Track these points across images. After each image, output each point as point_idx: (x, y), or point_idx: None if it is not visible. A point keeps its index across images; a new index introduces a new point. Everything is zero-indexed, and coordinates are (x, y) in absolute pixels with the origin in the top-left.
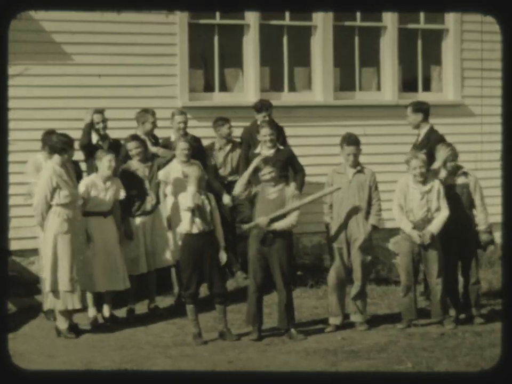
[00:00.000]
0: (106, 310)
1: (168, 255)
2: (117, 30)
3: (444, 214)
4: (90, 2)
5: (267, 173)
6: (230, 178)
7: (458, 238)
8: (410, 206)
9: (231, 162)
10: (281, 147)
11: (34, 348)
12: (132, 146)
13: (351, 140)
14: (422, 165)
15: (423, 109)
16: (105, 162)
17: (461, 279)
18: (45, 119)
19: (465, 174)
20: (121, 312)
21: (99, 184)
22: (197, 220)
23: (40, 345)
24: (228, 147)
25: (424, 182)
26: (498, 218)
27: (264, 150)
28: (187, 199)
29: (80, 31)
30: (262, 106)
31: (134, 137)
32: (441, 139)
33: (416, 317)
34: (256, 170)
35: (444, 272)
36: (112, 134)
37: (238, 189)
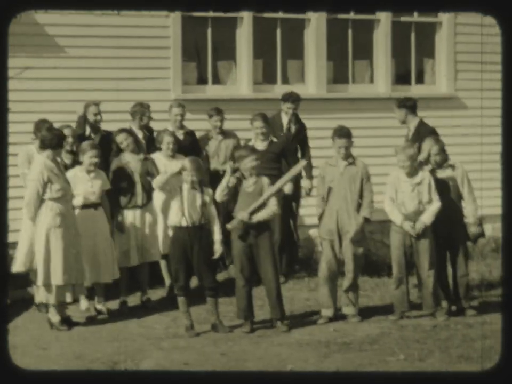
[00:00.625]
0: (98, 303)
1: (157, 249)
2: (110, 23)
3: (435, 205)
4: (90, 2)
5: (248, 161)
6: (222, 167)
7: (445, 231)
8: (401, 199)
9: (225, 152)
10: (275, 139)
11: (27, 340)
12: (121, 138)
13: (342, 133)
14: (406, 159)
15: (407, 105)
16: (86, 159)
17: (450, 271)
18: (40, 112)
19: (451, 166)
20: (114, 304)
21: (83, 176)
22: (186, 213)
23: (33, 337)
24: (220, 137)
25: (412, 175)
26: (488, 211)
27: (258, 142)
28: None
29: (75, 23)
30: (289, 97)
31: (122, 130)
32: (432, 132)
33: (408, 309)
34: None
35: (435, 264)
36: (106, 127)
37: (218, 197)
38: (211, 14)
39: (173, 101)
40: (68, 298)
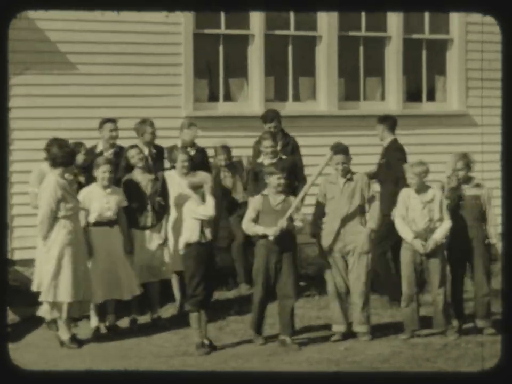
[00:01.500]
0: (109, 320)
1: (168, 267)
2: (121, 40)
3: (447, 224)
4: (90, 2)
5: (276, 179)
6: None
7: (466, 249)
8: (412, 216)
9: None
10: (284, 157)
11: (37, 357)
12: (132, 153)
13: (339, 149)
14: (413, 176)
15: (385, 121)
16: (99, 173)
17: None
18: (47, 129)
19: (478, 185)
20: (124, 322)
21: (99, 193)
22: (207, 229)
23: (43, 355)
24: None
25: (421, 191)
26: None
27: (267, 161)
28: (207, 208)
29: (83, 40)
30: (267, 116)
31: (134, 146)
32: (399, 148)
33: (418, 327)
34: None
35: (446, 282)
36: (118, 144)
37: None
38: (223, 31)
39: (184, 119)
40: (75, 314)
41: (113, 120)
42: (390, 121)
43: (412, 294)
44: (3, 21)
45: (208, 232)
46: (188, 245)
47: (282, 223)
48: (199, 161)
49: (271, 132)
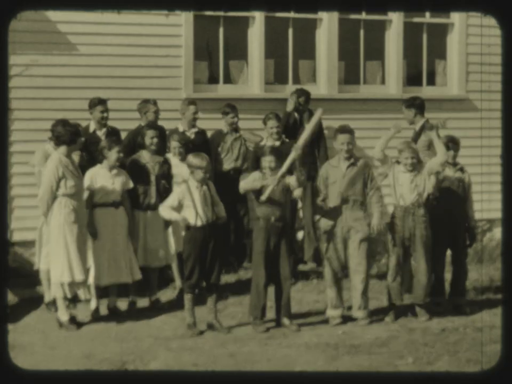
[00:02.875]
0: (111, 302)
1: (168, 252)
2: (122, 21)
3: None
4: (90, 2)
5: (267, 161)
6: (233, 165)
7: (450, 230)
8: (400, 192)
9: (238, 149)
10: (287, 140)
11: (36, 339)
12: (152, 134)
13: (344, 129)
14: (413, 156)
15: (416, 104)
16: (113, 153)
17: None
18: (48, 109)
19: (461, 169)
20: (123, 305)
21: (105, 174)
22: (201, 213)
23: (42, 336)
24: (235, 134)
25: (413, 171)
26: (498, 214)
27: (269, 142)
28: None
29: (83, 21)
30: (299, 94)
31: (152, 126)
32: None
33: (401, 301)
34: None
35: (430, 258)
36: (117, 125)
37: (242, 183)
38: (223, 13)
39: (184, 100)
40: (87, 295)
41: (103, 101)
42: (419, 103)
43: (399, 268)
44: (3, 21)
45: (206, 216)
46: (187, 228)
47: (274, 179)
48: (199, 143)
49: (275, 113)
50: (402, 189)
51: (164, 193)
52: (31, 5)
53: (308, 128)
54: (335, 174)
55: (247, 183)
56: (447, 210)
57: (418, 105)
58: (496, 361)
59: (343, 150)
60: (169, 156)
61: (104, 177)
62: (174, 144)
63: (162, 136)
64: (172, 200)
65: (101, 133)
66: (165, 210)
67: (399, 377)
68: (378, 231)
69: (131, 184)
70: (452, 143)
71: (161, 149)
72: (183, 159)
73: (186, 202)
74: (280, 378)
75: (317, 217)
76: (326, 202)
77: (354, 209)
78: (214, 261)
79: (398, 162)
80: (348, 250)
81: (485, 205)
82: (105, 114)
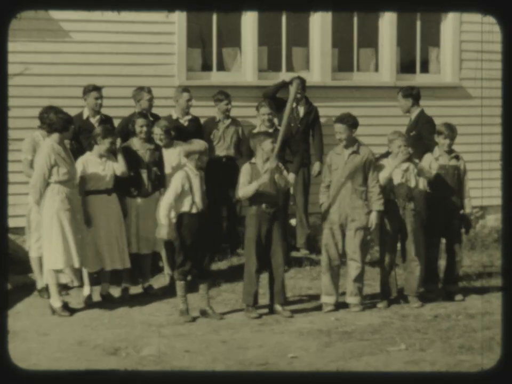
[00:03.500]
0: (104, 289)
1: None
2: (115, 8)
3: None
4: (90, 2)
5: (269, 143)
6: (225, 153)
7: (445, 217)
8: (391, 186)
9: (231, 136)
10: (279, 127)
11: (29, 325)
12: (141, 122)
13: (337, 118)
14: (406, 144)
15: (413, 94)
16: (106, 143)
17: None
18: (42, 97)
19: (457, 157)
20: (116, 291)
21: (96, 161)
22: (198, 200)
23: (34, 323)
24: (227, 121)
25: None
26: (491, 201)
27: (263, 129)
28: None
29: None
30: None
31: (142, 114)
32: (430, 121)
33: (396, 294)
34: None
35: (422, 249)
36: (110, 112)
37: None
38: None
39: (177, 87)
40: (76, 282)
41: (98, 88)
42: (416, 93)
43: (390, 260)
44: (3, 21)
45: (199, 203)
46: (179, 215)
47: (271, 163)
48: (193, 130)
49: (268, 100)
50: (393, 184)
51: (155, 180)
52: (31, 5)
53: (288, 104)
54: (337, 161)
55: (245, 192)
56: (442, 198)
57: (415, 95)
58: (496, 361)
59: (340, 139)
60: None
61: (95, 164)
62: (156, 130)
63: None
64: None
65: (94, 120)
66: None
67: (398, 377)
68: (376, 225)
69: (120, 170)
70: (449, 131)
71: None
72: (166, 145)
73: (184, 189)
74: (279, 378)
75: (322, 202)
76: (328, 190)
77: (354, 198)
78: (206, 248)
79: (388, 153)
80: (345, 238)
81: (477, 192)
82: (99, 101)
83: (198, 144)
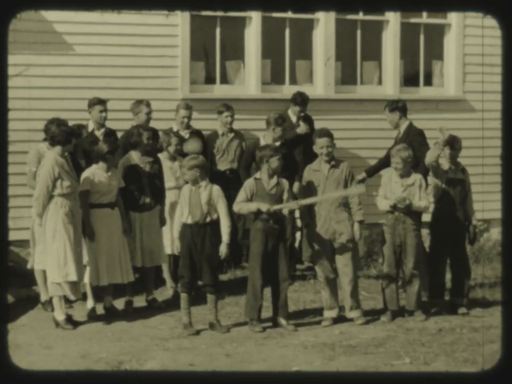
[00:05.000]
0: (107, 302)
1: (163, 253)
2: (117, 21)
3: (424, 202)
4: (90, 2)
5: (276, 160)
6: (229, 166)
7: (452, 232)
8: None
9: (234, 150)
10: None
11: (32, 339)
12: (147, 135)
13: (322, 133)
14: (400, 161)
15: (399, 107)
16: (114, 158)
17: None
18: (44, 109)
19: (462, 170)
20: (119, 304)
21: (102, 175)
22: (187, 211)
23: (38, 336)
24: (230, 134)
25: (404, 176)
26: (495, 215)
27: (268, 141)
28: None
29: (81, 21)
30: (297, 99)
31: (147, 127)
32: (420, 133)
33: (398, 308)
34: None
35: (422, 264)
36: (114, 126)
37: (236, 208)
38: (220, 13)
39: (180, 101)
40: (78, 295)
41: (103, 101)
42: (403, 106)
43: (391, 274)
44: (3, 21)
45: (195, 214)
46: (181, 227)
47: (292, 206)
48: None
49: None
50: (394, 196)
51: (156, 193)
52: (31, 5)
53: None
54: (317, 177)
55: (241, 208)
56: (449, 212)
57: (401, 108)
58: (496, 361)
59: (323, 154)
60: (161, 156)
61: (102, 178)
62: (174, 141)
63: (155, 137)
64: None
65: (99, 133)
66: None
67: (398, 378)
68: (360, 235)
69: (123, 183)
70: (456, 143)
71: (154, 149)
72: (174, 158)
73: (182, 200)
74: (277, 379)
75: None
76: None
77: (338, 211)
78: (204, 260)
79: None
80: (336, 253)
81: (479, 205)
82: (103, 114)
83: (189, 160)
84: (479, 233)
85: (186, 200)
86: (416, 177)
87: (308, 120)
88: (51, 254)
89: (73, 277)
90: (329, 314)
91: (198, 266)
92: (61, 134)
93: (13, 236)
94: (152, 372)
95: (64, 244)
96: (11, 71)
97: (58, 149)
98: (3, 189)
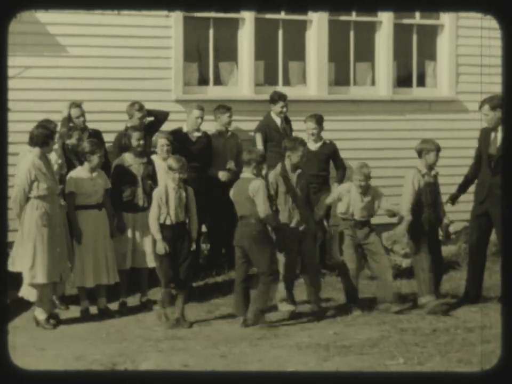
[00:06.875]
0: (101, 303)
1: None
2: (112, 22)
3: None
4: (90, 2)
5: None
6: (228, 166)
7: (430, 232)
8: (351, 209)
9: (230, 150)
10: (327, 141)
11: (26, 340)
12: (137, 136)
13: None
14: (363, 179)
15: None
16: (96, 158)
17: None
18: (39, 111)
19: (435, 174)
20: (114, 305)
21: (86, 176)
22: (172, 212)
23: (32, 337)
24: (227, 135)
25: (365, 194)
26: None
27: (310, 143)
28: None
29: (75, 23)
30: (279, 97)
31: (138, 128)
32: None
33: (359, 303)
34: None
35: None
36: (107, 127)
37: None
38: (213, 14)
39: (193, 103)
40: (49, 296)
41: (77, 105)
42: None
43: (353, 272)
44: (3, 21)
45: (177, 215)
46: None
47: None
48: (200, 146)
49: (316, 114)
50: (354, 208)
51: (150, 193)
52: (31, 5)
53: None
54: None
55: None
56: (426, 218)
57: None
58: (495, 361)
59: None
60: (155, 158)
61: (86, 179)
62: (162, 141)
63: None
64: (155, 209)
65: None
66: (154, 225)
67: (396, 377)
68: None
69: (109, 184)
70: (434, 145)
71: (146, 150)
72: (167, 157)
73: (162, 201)
74: (272, 379)
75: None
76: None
77: (303, 209)
78: (184, 259)
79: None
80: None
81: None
82: (81, 119)
83: (173, 162)
84: (454, 230)
85: (170, 200)
86: (372, 193)
87: (287, 123)
88: (27, 256)
89: (39, 279)
90: (285, 308)
91: (180, 264)
92: (38, 136)
93: (12, 237)
94: (148, 371)
95: (34, 246)
96: (8, 72)
97: (36, 150)
98: (2, 190)
